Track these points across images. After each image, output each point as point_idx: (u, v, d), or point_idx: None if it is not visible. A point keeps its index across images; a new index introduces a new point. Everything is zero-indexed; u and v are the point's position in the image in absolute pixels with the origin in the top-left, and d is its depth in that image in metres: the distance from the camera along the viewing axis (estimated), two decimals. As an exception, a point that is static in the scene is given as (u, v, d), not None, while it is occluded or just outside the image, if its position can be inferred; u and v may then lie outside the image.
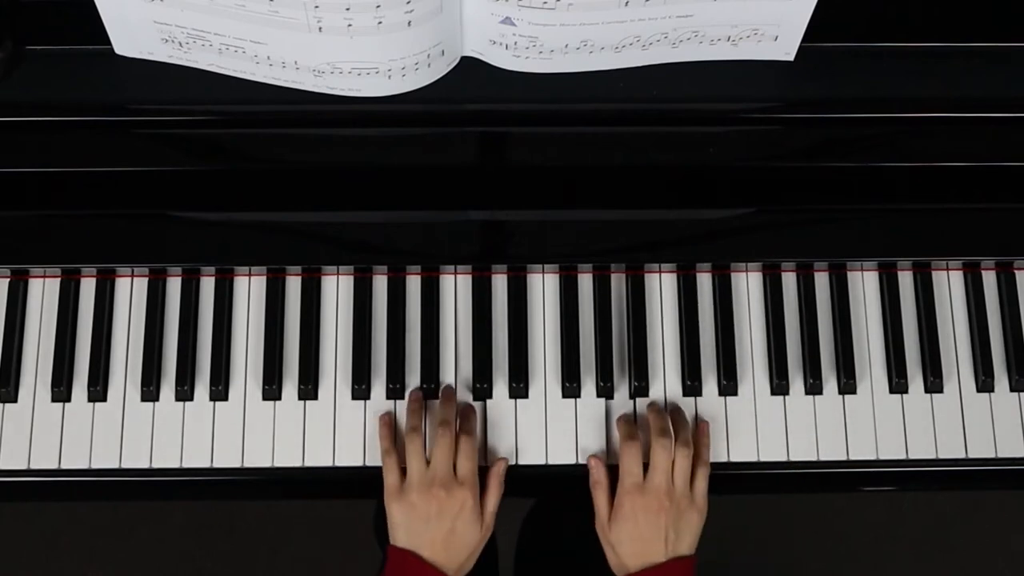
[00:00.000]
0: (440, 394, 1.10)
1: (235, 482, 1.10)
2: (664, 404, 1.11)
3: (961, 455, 1.10)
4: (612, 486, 1.05)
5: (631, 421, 1.09)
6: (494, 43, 0.99)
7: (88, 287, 1.12)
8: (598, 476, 1.06)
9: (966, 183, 1.08)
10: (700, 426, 1.09)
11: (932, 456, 1.10)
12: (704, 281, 1.14)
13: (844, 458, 1.10)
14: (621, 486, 1.03)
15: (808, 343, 1.12)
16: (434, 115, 1.04)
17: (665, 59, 1.03)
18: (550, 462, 1.10)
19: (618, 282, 1.13)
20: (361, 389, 1.10)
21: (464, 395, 1.11)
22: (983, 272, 1.14)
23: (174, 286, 1.12)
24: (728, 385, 1.11)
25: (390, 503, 1.03)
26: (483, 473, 1.06)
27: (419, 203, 1.08)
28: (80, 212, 1.07)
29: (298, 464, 1.09)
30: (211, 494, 1.12)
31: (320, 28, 0.92)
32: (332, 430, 1.10)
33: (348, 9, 0.90)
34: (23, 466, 1.08)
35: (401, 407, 1.10)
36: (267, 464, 1.09)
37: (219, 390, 1.10)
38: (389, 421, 1.08)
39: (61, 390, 1.09)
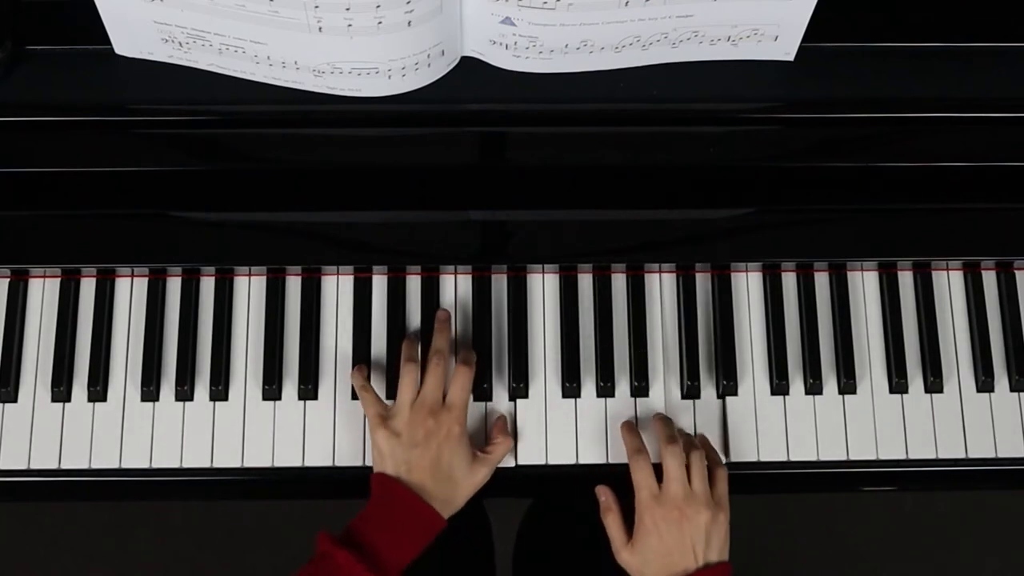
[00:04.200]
0: (435, 321, 1.10)
1: (235, 482, 1.10)
2: (664, 406, 1.11)
3: (961, 455, 1.10)
4: (622, 511, 1.04)
5: (635, 431, 1.08)
6: (494, 43, 0.99)
7: (88, 287, 1.12)
8: (608, 502, 1.04)
9: (966, 183, 1.08)
10: (700, 437, 1.08)
11: (932, 456, 1.10)
12: (704, 281, 1.14)
13: (844, 458, 1.10)
14: (638, 501, 1.01)
15: (808, 343, 1.12)
16: (434, 115, 1.04)
17: (665, 59, 1.03)
18: (550, 462, 1.10)
19: (618, 282, 1.13)
20: (361, 389, 1.10)
21: (464, 395, 1.11)
22: (983, 272, 1.14)
23: (174, 286, 1.12)
24: (728, 385, 1.11)
25: (375, 431, 1.03)
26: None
27: (419, 203, 1.08)
28: (80, 212, 1.07)
29: (298, 464, 1.09)
30: (211, 494, 1.12)
31: (320, 28, 0.92)
32: (332, 430, 1.10)
33: (348, 9, 0.90)
34: (23, 466, 1.08)
35: (401, 407, 1.10)
36: (267, 464, 1.09)
37: (219, 390, 1.10)
38: (362, 367, 1.08)
39: (61, 390, 1.09)
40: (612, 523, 1.03)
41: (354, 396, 1.10)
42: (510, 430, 1.09)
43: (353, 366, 1.10)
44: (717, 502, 1.01)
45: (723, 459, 1.07)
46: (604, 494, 1.05)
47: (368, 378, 1.08)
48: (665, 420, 1.07)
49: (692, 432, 1.10)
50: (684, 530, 0.98)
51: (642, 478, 1.02)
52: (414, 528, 0.99)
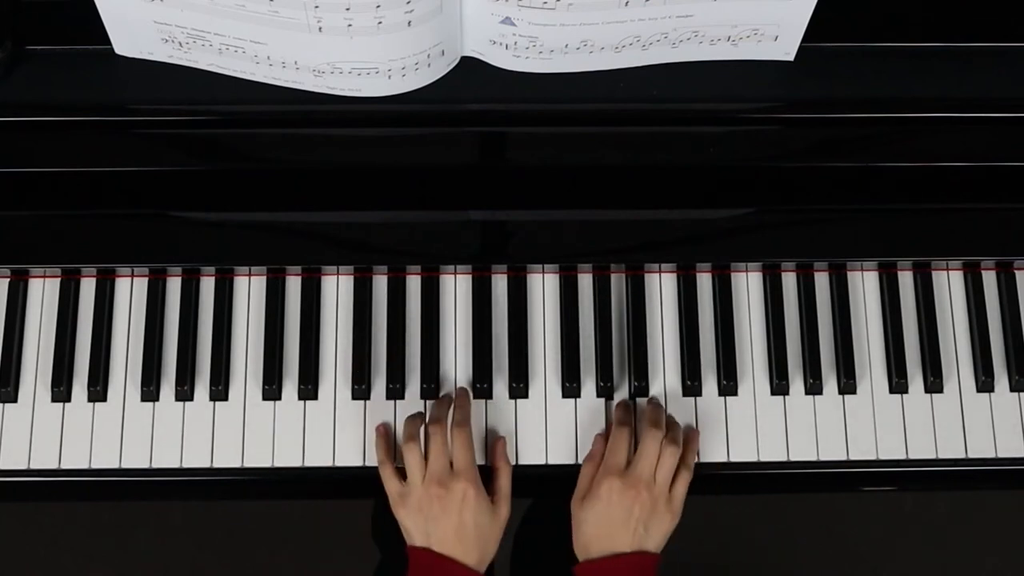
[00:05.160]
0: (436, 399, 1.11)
1: (235, 482, 1.10)
2: (664, 406, 1.11)
3: (961, 455, 1.10)
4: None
5: (629, 408, 1.09)
6: (494, 43, 0.99)
7: (88, 287, 1.12)
8: (595, 451, 1.06)
9: (966, 183, 1.08)
10: (690, 433, 1.08)
11: (932, 456, 1.10)
12: (704, 281, 1.14)
13: (844, 458, 1.10)
14: (604, 466, 1.03)
15: (808, 343, 1.12)
16: (434, 115, 1.04)
17: (665, 59, 1.03)
18: (550, 462, 1.10)
19: (618, 282, 1.13)
20: (361, 389, 1.10)
21: (464, 395, 1.11)
22: (983, 272, 1.14)
23: (174, 286, 1.12)
24: (728, 385, 1.11)
25: (396, 510, 1.04)
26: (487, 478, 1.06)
27: (419, 203, 1.08)
28: (80, 212, 1.07)
29: (298, 464, 1.09)
30: (211, 494, 1.12)
31: (320, 28, 0.92)
32: (332, 430, 1.10)
33: (348, 9, 0.90)
34: (23, 466, 1.08)
35: (401, 407, 1.10)
36: (267, 464, 1.09)
37: (219, 390, 1.10)
38: (385, 432, 1.09)
39: (61, 390, 1.09)
40: (586, 473, 1.05)
41: (354, 396, 1.10)
42: (511, 431, 1.09)
43: (353, 366, 1.10)
44: (672, 502, 1.02)
45: (694, 464, 1.06)
46: (598, 443, 1.07)
47: (392, 445, 1.09)
48: (658, 406, 1.08)
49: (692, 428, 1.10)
50: (633, 511, 1.00)
51: (616, 449, 1.04)
52: None
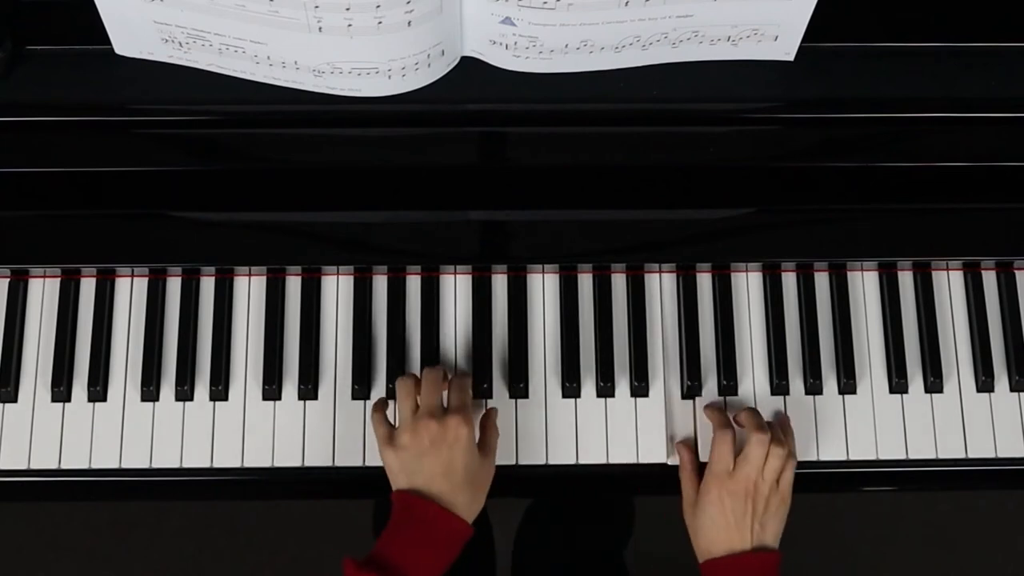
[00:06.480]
0: None
1: (235, 482, 1.10)
2: (664, 406, 1.11)
3: (961, 455, 1.10)
4: (699, 473, 1.06)
5: (722, 409, 1.09)
6: (494, 43, 0.99)
7: (88, 287, 1.12)
8: (686, 460, 1.07)
9: (966, 183, 1.08)
10: (782, 420, 1.09)
11: (932, 456, 1.10)
12: (704, 281, 1.14)
13: (844, 458, 1.10)
14: (710, 471, 1.03)
15: (808, 343, 1.12)
16: (434, 115, 1.04)
17: (665, 59, 1.03)
18: (550, 462, 1.10)
19: (618, 282, 1.13)
20: (361, 389, 1.10)
21: (464, 395, 1.11)
22: (983, 272, 1.14)
23: (174, 286, 1.12)
24: (728, 385, 1.11)
25: (384, 453, 1.01)
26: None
27: (419, 203, 1.08)
28: (80, 212, 1.07)
29: (298, 464, 1.09)
30: (211, 494, 1.12)
31: (320, 28, 0.92)
32: (332, 430, 1.10)
33: (348, 9, 0.90)
34: (23, 466, 1.08)
35: (401, 407, 1.10)
36: (267, 464, 1.09)
37: (219, 390, 1.10)
38: (382, 403, 1.08)
39: (61, 390, 1.09)
40: (685, 481, 1.06)
41: (354, 397, 1.10)
42: (511, 431, 1.09)
43: (353, 366, 1.10)
44: (780, 491, 1.02)
45: (795, 451, 1.07)
46: (683, 451, 1.07)
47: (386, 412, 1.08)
48: (755, 411, 1.08)
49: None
50: (746, 509, 1.00)
51: (722, 452, 1.03)
52: (438, 539, 0.97)
